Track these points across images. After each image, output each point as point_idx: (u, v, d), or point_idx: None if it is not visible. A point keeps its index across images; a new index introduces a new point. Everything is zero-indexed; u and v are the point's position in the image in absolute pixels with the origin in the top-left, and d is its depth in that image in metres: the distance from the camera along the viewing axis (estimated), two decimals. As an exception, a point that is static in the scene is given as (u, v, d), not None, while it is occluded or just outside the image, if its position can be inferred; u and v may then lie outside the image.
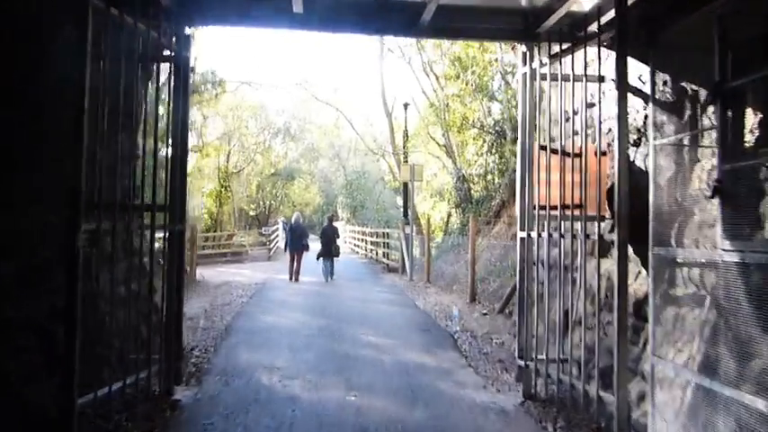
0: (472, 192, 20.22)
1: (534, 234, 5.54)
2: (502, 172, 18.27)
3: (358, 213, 45.22)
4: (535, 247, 5.65)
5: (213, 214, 36.97)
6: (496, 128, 19.12)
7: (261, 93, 42.94)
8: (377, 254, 24.06)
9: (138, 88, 4.91)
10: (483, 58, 19.69)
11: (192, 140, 35.59)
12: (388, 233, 22.71)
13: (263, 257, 27.56)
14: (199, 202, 40.46)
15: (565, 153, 5.63)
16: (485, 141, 19.99)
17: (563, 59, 5.59)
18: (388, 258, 21.62)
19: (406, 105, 21.38)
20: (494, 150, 19.25)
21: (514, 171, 16.80)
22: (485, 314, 10.58)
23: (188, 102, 5.52)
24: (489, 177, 19.66)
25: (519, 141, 5.88)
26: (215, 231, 33.52)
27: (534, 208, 5.60)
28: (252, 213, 44.91)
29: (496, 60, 18.66)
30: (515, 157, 17.09)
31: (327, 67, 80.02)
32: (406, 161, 21.51)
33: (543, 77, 5.66)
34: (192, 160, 36.00)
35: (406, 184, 20.62)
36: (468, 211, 19.27)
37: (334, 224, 18.87)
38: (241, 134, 39.05)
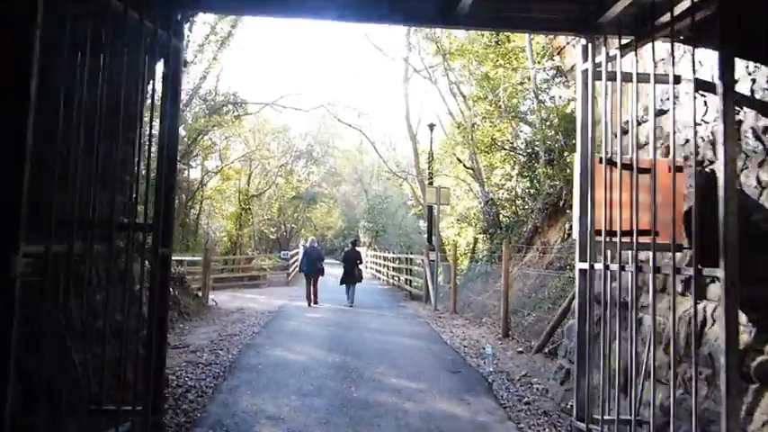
0: (501, 217, 19.13)
1: (600, 266, 4.49)
2: (534, 196, 17.18)
3: (380, 238, 44.44)
4: (601, 282, 4.60)
5: (233, 237, 36.38)
6: (528, 149, 18.11)
7: (284, 115, 42.16)
8: (399, 280, 23.01)
9: (126, 84, 4.03)
10: (513, 78, 18.81)
11: (214, 163, 35.36)
12: (411, 259, 21.69)
13: (282, 282, 26.66)
14: (219, 224, 40.12)
15: (630, 168, 4.61)
16: (515, 163, 18.97)
17: (627, 55, 4.63)
18: (410, 285, 20.56)
19: (431, 126, 20.50)
20: (524, 173, 18.22)
21: (548, 194, 15.98)
22: (520, 352, 9.45)
23: (178, 102, 4.64)
24: (519, 202, 18.58)
25: (578, 153, 4.87)
26: (234, 254, 32.86)
27: (598, 234, 4.56)
28: (272, 236, 44.29)
29: (528, 79, 17.74)
30: (549, 179, 16.45)
31: (351, 89, 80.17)
32: (431, 183, 20.53)
33: (609, 77, 4.67)
34: (214, 182, 35.69)
35: (430, 208, 19.65)
36: (496, 237, 18.18)
37: (357, 248, 18.26)
38: (263, 157, 38.61)
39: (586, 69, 4.74)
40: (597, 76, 4.72)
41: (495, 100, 19.47)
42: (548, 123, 16.72)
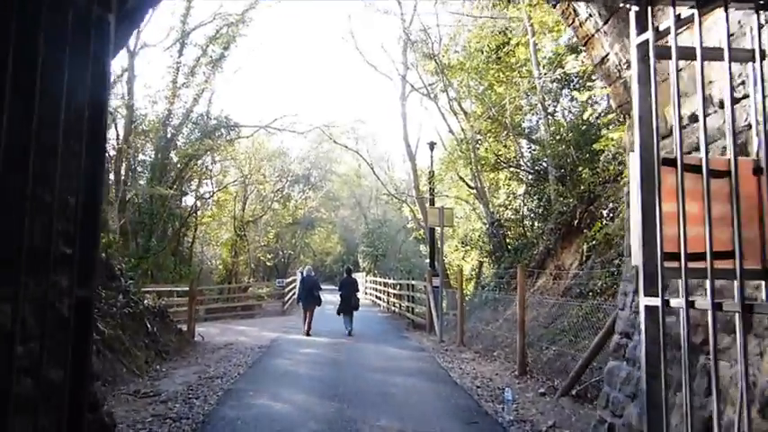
0: (507, 239, 17.96)
1: (679, 302, 3.32)
2: (543, 216, 16.05)
3: (379, 263, 43.31)
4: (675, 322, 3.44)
5: (228, 264, 35.21)
6: (535, 167, 17.05)
7: (279, 138, 41.22)
8: (400, 307, 21.79)
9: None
10: (516, 90, 17.85)
11: (207, 188, 34.29)
12: (412, 285, 20.48)
13: (277, 311, 25.40)
14: (214, 252, 38.92)
15: (697, 170, 3.50)
16: (521, 182, 17.89)
17: (688, 29, 3.55)
18: (412, 313, 19.32)
19: (431, 145, 19.47)
20: (532, 192, 17.12)
21: (560, 213, 14.82)
22: (543, 394, 8.21)
23: (107, 89, 3.50)
24: (527, 223, 17.44)
25: (636, 153, 3.74)
26: (230, 282, 31.69)
27: (670, 259, 3.40)
28: (269, 263, 43.09)
29: (533, 90, 16.76)
30: (561, 198, 15.28)
31: (347, 109, 79.64)
32: (433, 204, 19.42)
33: (666, 54, 3.57)
34: (208, 209, 34.61)
35: (432, 231, 18.51)
36: (503, 260, 17.01)
37: (353, 276, 17.66)
38: (258, 181, 37.63)
39: (645, 41, 3.63)
40: (659, 54, 3.60)
41: (497, 116, 18.51)
42: (558, 137, 15.69)
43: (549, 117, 17.32)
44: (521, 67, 17.35)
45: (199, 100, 28.41)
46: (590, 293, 10.26)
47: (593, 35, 5.79)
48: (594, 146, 12.74)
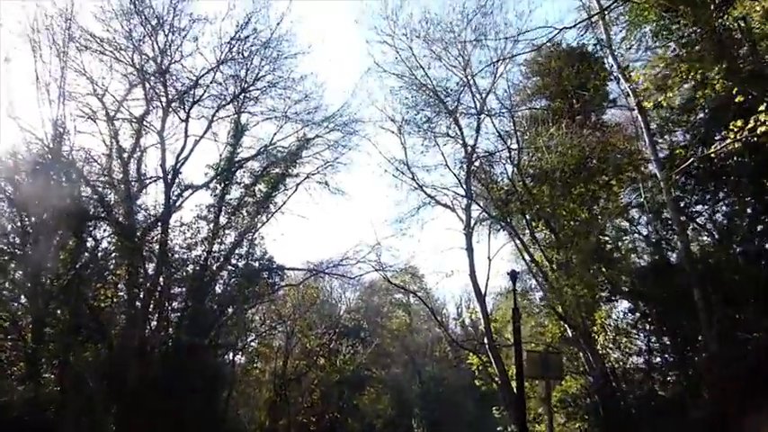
0: (628, 399, 13.38)
1: None
2: (688, 358, 11.64)
3: (437, 429, 38.07)
4: None
5: (266, 430, 30.50)
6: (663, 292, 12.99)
7: (327, 283, 38.07)
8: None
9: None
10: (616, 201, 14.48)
11: (248, 339, 30.67)
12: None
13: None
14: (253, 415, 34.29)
15: None
16: (644, 317, 13.73)
17: None
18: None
19: (513, 275, 15.77)
20: (661, 321, 12.86)
21: (741, 356, 10.41)
22: None
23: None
24: (657, 375, 12.96)
25: None
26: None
27: None
28: (313, 428, 37.82)
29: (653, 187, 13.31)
30: (728, 332, 10.42)
31: (401, 247, 75.70)
32: (519, 351, 15.13)
33: None
34: (247, 364, 30.79)
35: (521, 388, 14.17)
36: None
37: None
38: (303, 334, 34.00)
39: None
40: None
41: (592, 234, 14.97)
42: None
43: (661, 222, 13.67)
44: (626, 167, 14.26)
45: (242, 242, 25.98)
46: None
47: None
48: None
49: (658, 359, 13.57)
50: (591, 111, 22.76)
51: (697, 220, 14.87)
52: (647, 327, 14.43)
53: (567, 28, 9.92)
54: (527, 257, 18.81)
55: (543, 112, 22.75)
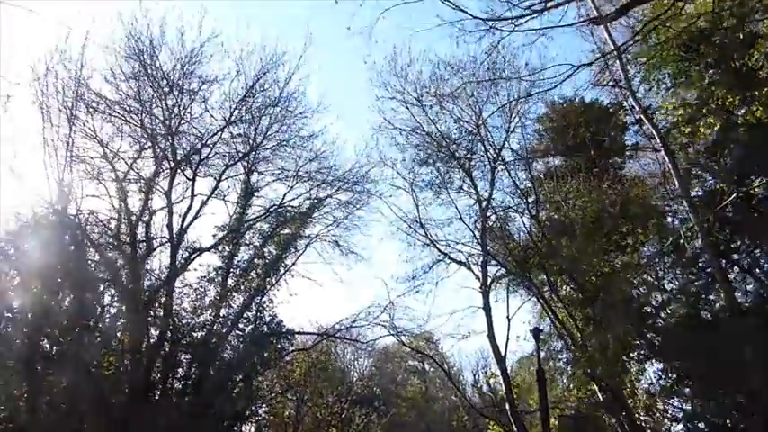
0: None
1: None
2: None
3: None
4: None
5: None
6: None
7: (340, 349, 36.68)
8: None
9: None
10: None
11: (255, 408, 29.12)
12: None
13: None
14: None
15: None
16: (679, 378, 12.55)
17: None
18: None
19: (536, 333, 14.71)
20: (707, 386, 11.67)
21: None
22: None
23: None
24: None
25: None
26: None
27: None
28: (325, 508, 35.51)
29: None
30: None
31: (415, 306, 73.02)
32: (547, 420, 13.89)
33: None
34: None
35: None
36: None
37: None
38: (315, 403, 32.50)
39: None
40: None
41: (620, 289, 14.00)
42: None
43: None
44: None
45: (250, 306, 25.05)
46: None
47: None
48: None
49: (702, 425, 12.27)
50: (610, 163, 22.24)
51: (739, 265, 13.89)
52: (687, 389, 13.20)
53: (584, 65, 9.44)
54: (550, 315, 17.76)
55: (560, 167, 22.27)
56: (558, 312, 17.59)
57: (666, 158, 12.95)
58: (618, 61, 13.57)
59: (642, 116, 13.44)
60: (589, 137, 21.21)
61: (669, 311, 13.88)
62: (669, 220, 15.77)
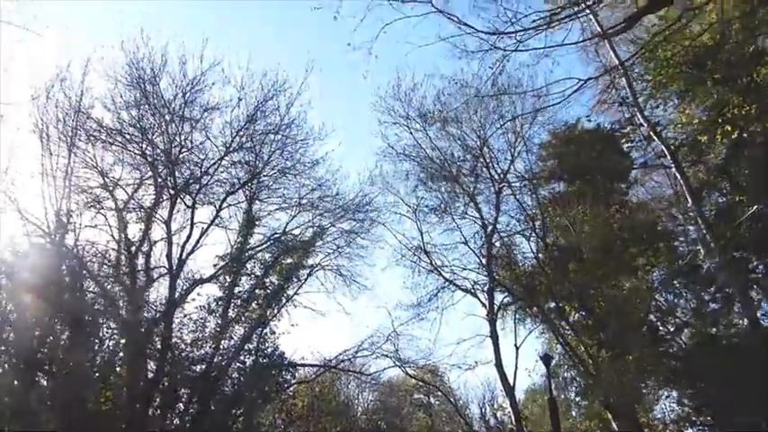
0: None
1: None
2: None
3: None
4: None
5: None
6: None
7: (344, 382, 35.77)
8: None
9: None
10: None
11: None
12: None
13: None
14: None
15: None
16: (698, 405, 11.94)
17: None
18: None
19: (547, 359, 14.14)
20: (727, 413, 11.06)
21: None
22: None
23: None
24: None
25: None
26: None
27: None
28: None
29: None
30: None
31: (418, 333, 71.76)
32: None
33: None
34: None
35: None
36: None
37: None
38: (319, 439, 31.40)
39: None
40: None
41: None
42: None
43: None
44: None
45: (251, 337, 24.42)
46: None
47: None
48: None
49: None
50: (614, 188, 21.91)
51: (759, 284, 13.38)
52: (706, 417, 12.57)
53: (591, 78, 9.19)
54: (561, 341, 17.17)
55: (565, 192, 21.95)
56: (569, 339, 17.02)
57: (678, 175, 12.59)
58: (624, 78, 13.32)
59: (651, 132, 13.09)
60: (593, 162, 20.94)
61: (686, 335, 13.29)
62: (681, 239, 15.35)
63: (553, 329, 17.70)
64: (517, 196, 21.48)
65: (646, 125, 13.43)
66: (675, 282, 14.63)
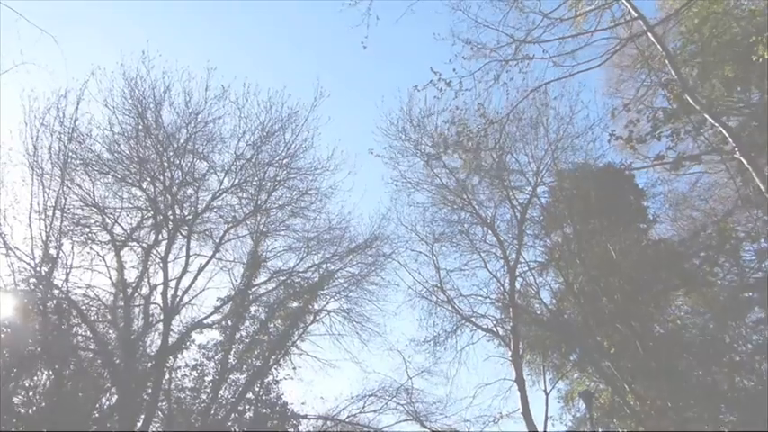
0: None
1: None
2: None
3: None
4: None
5: None
6: None
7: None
8: None
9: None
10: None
11: None
12: None
13: None
14: None
15: None
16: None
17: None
18: None
19: (587, 396, 12.39)
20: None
21: None
22: None
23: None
24: None
25: None
26: None
27: None
28: None
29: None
30: None
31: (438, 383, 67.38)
32: None
33: None
34: None
35: None
36: None
37: None
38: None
39: None
40: None
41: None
42: None
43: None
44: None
45: (252, 386, 22.53)
46: None
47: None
48: None
49: None
50: (633, 228, 20.47)
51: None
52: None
53: (627, 39, 7.86)
54: (596, 381, 15.32)
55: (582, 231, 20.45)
56: (607, 381, 15.14)
57: (744, 161, 10.76)
58: (668, 62, 11.76)
59: (707, 115, 11.31)
60: (607, 202, 19.54)
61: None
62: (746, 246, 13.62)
63: (591, 370, 15.81)
64: (539, 232, 20.05)
65: (698, 107, 11.47)
66: (739, 300, 12.89)
